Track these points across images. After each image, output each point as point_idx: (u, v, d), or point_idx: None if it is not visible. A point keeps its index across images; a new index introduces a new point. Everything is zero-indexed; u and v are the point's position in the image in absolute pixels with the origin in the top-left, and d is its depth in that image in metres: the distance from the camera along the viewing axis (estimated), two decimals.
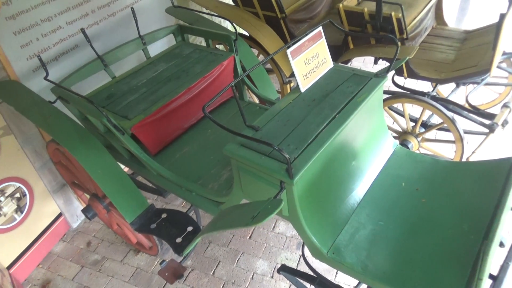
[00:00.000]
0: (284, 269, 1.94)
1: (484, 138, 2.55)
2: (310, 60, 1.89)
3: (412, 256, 1.53)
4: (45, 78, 2.14)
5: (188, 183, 2.02)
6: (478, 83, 2.82)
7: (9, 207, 2.51)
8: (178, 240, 2.00)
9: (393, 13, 2.53)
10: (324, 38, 1.95)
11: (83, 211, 2.43)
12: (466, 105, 2.74)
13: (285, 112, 1.77)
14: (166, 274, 2.13)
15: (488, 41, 2.75)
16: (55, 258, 2.84)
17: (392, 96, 2.83)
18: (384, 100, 2.87)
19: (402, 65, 2.81)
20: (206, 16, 3.10)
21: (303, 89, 1.86)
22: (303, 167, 1.44)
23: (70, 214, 2.97)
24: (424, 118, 3.00)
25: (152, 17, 3.28)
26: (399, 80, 3.86)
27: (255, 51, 3.22)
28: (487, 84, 3.06)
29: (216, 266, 2.65)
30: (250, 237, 2.82)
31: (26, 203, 2.63)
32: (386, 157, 1.98)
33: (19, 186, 2.56)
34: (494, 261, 1.64)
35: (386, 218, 1.70)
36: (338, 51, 3.01)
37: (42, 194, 2.74)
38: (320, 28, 1.93)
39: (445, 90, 3.73)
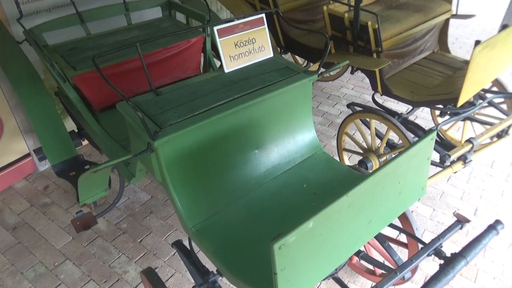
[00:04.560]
0: (176, 244, 1.95)
1: (439, 170, 2.37)
2: (242, 44, 1.88)
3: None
4: (18, 20, 2.31)
5: (109, 139, 2.09)
6: (458, 114, 2.63)
7: None
8: None
9: (369, 23, 2.44)
10: (265, 26, 1.93)
11: (35, 150, 2.59)
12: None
13: (197, 85, 1.78)
14: (78, 223, 2.21)
15: None
16: (13, 192, 3.04)
17: (362, 110, 2.73)
18: (354, 113, 2.77)
19: (377, 79, 2.70)
20: None
21: (226, 69, 1.85)
22: (173, 133, 1.45)
23: None
24: (397, 141, 2.87)
25: None
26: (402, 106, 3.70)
27: None
28: (474, 120, 2.84)
29: (146, 236, 2.70)
30: None
31: None
32: (301, 157, 1.92)
33: None
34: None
35: (266, 213, 1.66)
36: (321, 54, 2.95)
37: (13, 131, 2.95)
38: (263, 15, 1.92)
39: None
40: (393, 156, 3.01)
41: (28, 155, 3.11)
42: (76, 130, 2.72)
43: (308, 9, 3.37)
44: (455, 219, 1.76)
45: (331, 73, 4.35)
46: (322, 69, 1.92)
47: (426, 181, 1.55)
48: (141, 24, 2.76)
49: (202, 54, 2.69)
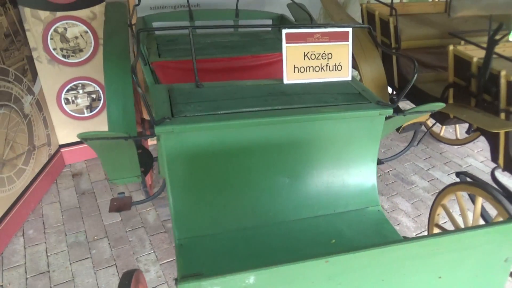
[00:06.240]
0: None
1: None
2: (313, 56, 1.60)
3: None
4: (134, 6, 2.50)
5: None
6: None
7: (83, 101, 3.04)
8: None
9: (503, 73, 1.87)
10: (350, 43, 1.62)
11: None
12: None
13: (243, 87, 1.57)
14: (114, 203, 2.20)
15: None
16: (99, 162, 3.29)
17: (471, 182, 2.10)
18: (459, 183, 2.16)
19: (500, 148, 2.05)
20: None
21: (286, 80, 1.59)
22: (181, 124, 1.26)
23: None
24: None
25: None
26: None
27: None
28: None
29: None
30: None
31: (98, 107, 3.13)
32: (345, 206, 1.51)
33: (98, 90, 3.06)
34: None
35: (267, 258, 1.31)
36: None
37: None
38: (350, 30, 1.62)
39: None
40: None
41: None
42: None
43: (439, 52, 2.86)
44: None
45: (458, 136, 3.62)
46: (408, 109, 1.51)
47: None
48: (245, 32, 2.71)
49: None
